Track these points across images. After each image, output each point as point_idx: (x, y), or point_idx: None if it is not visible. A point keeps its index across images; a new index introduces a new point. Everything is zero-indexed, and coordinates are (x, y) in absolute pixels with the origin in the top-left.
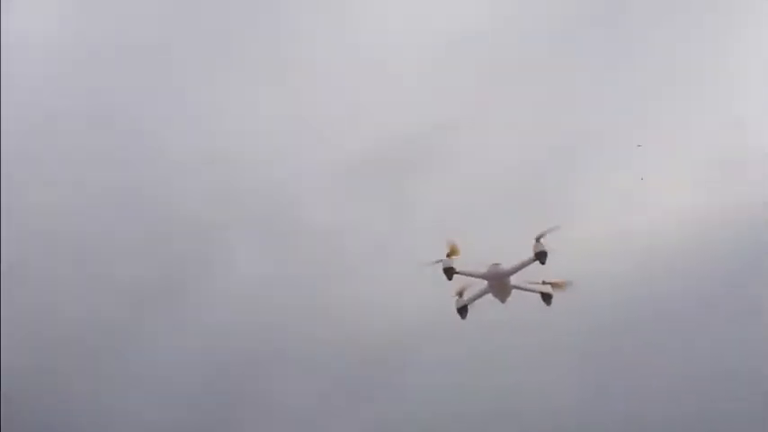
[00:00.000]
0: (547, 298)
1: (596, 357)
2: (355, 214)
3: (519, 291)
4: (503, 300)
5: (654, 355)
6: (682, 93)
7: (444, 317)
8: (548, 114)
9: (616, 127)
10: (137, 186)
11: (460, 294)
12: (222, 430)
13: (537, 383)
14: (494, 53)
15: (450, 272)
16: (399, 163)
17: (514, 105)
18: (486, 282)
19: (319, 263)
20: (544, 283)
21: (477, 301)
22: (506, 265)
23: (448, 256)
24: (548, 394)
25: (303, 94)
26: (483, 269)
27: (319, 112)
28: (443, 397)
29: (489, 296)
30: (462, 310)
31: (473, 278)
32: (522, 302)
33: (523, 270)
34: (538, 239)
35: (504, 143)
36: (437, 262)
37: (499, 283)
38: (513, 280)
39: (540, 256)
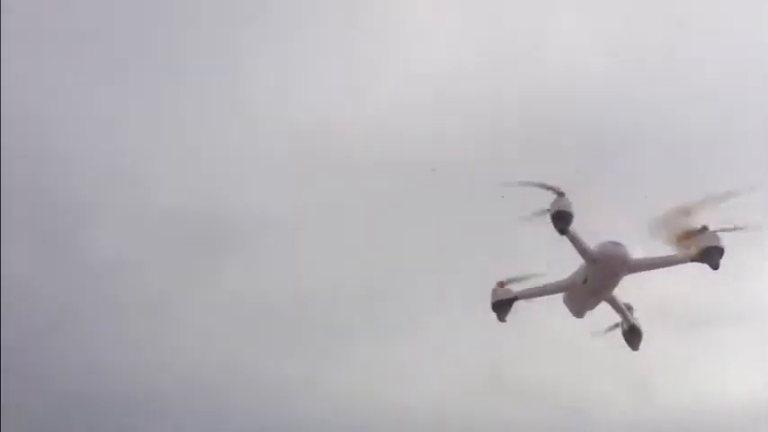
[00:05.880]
0: (633, 337)
1: None
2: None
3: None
4: (579, 312)
5: None
6: None
7: None
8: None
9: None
10: None
11: (502, 285)
12: None
13: None
14: None
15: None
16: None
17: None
18: (583, 269)
19: None
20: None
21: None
22: (635, 251)
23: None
24: None
25: None
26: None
27: None
28: None
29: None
30: (502, 307)
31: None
32: None
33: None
34: (706, 228)
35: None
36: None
37: (606, 277)
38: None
39: (711, 256)
